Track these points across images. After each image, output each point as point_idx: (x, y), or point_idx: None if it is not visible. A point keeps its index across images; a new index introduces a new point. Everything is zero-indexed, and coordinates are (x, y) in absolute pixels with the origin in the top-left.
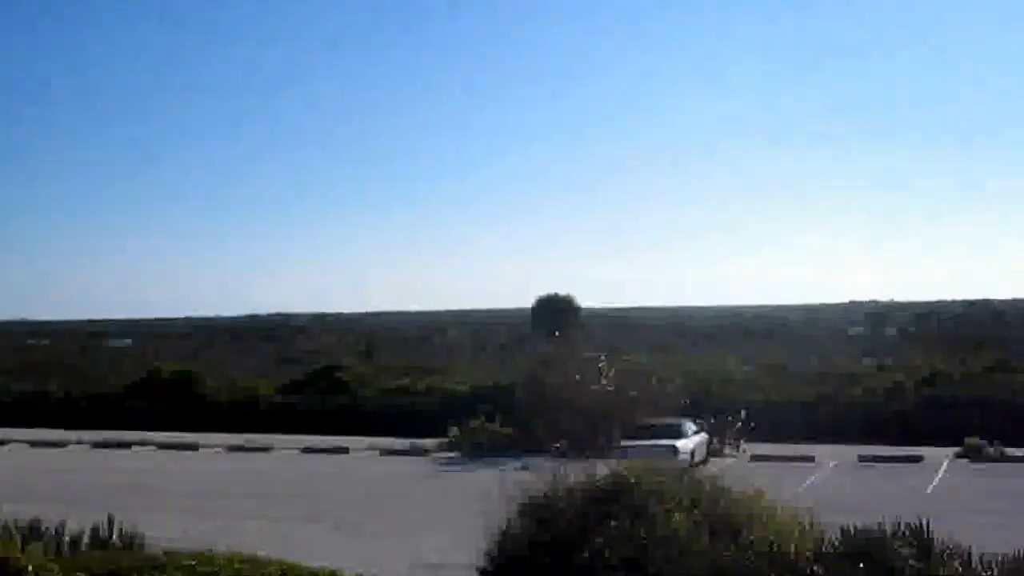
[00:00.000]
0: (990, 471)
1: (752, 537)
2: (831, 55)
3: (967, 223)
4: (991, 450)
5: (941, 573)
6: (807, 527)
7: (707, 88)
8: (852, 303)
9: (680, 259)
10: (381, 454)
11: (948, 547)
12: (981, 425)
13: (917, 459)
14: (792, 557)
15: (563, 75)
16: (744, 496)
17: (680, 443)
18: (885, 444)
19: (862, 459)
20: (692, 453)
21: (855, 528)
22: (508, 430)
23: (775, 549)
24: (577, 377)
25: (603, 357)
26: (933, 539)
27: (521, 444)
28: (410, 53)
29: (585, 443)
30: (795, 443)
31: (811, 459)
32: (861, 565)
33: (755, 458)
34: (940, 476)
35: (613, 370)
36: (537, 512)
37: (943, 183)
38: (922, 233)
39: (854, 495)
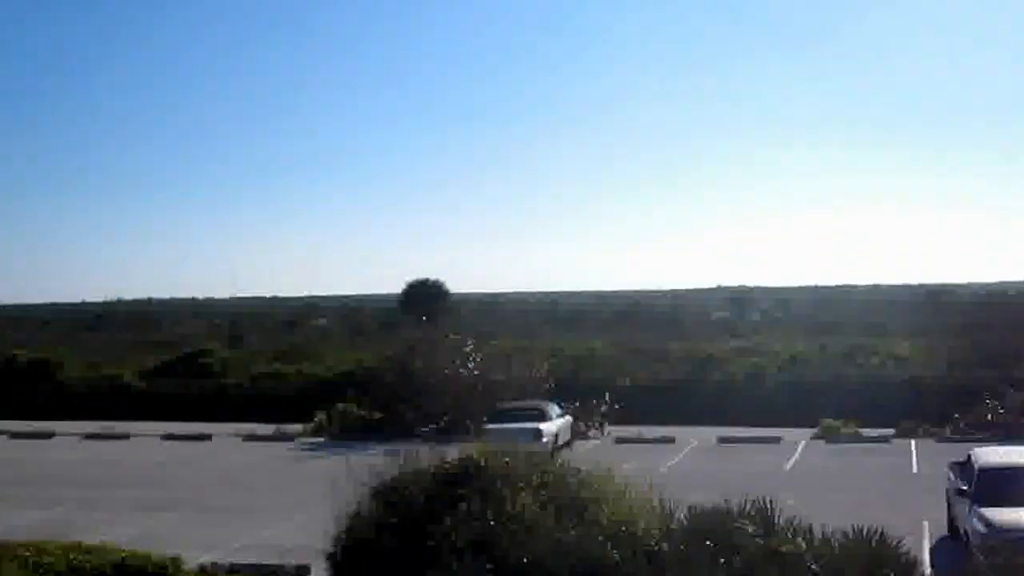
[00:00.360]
0: (845, 451)
1: (600, 517)
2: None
3: (826, 212)
4: (846, 431)
5: (783, 549)
6: (656, 506)
7: (577, 71)
8: (719, 288)
9: (552, 245)
10: (245, 440)
11: (791, 523)
12: (838, 406)
13: (775, 440)
14: (640, 535)
15: (432, 61)
16: (594, 477)
17: (543, 426)
18: (746, 425)
19: (722, 440)
20: (556, 436)
21: (701, 506)
22: (376, 414)
23: (623, 528)
24: (444, 361)
25: (470, 341)
26: (776, 516)
27: (389, 428)
28: (287, 40)
29: (452, 427)
30: (659, 425)
31: (672, 440)
32: (707, 542)
33: (619, 440)
34: (797, 456)
35: (480, 354)
36: (386, 495)
37: (808, 173)
38: (784, 221)
39: (714, 475)
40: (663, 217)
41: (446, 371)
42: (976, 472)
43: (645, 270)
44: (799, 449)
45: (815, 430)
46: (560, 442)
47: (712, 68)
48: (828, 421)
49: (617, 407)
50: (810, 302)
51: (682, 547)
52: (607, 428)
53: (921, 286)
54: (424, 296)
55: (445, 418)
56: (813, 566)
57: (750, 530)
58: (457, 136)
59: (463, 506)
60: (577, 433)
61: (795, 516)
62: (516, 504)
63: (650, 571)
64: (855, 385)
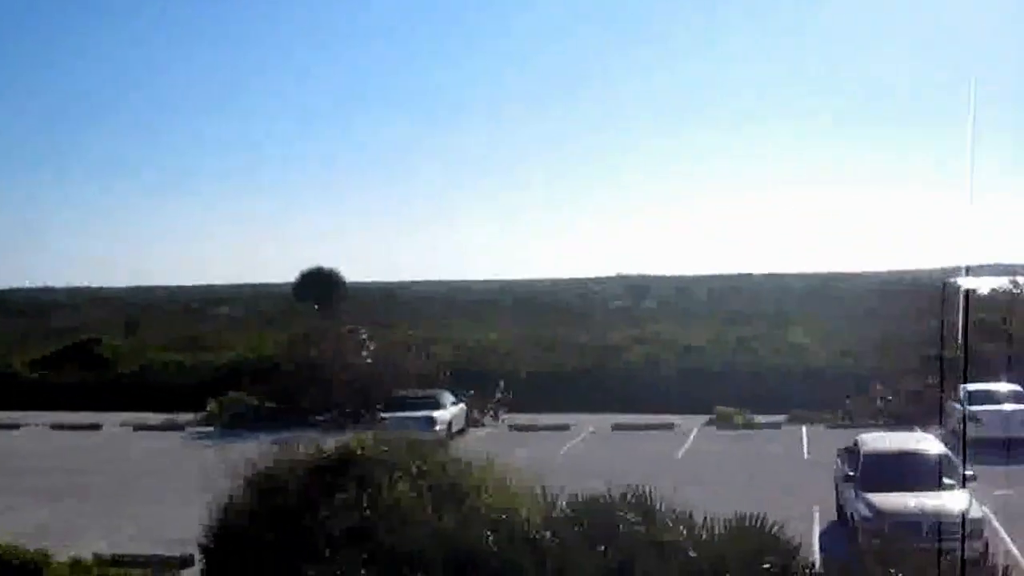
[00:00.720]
0: (736, 437)
1: (480, 505)
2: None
3: (724, 201)
4: (739, 417)
5: (664, 537)
6: (539, 494)
7: (470, 51)
8: (620, 276)
9: (454, 234)
10: (135, 430)
11: (673, 512)
12: (734, 394)
13: (669, 427)
14: (521, 523)
15: (317, 41)
16: (475, 465)
17: (437, 414)
18: (644, 413)
19: (617, 427)
20: (449, 424)
21: (583, 495)
22: (269, 404)
23: (503, 516)
24: (338, 350)
25: (363, 330)
26: (657, 504)
27: (283, 418)
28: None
29: (348, 416)
30: (558, 413)
31: (567, 428)
32: (588, 531)
33: (514, 428)
34: (690, 443)
35: (374, 343)
36: (260, 485)
37: (705, 161)
38: (683, 210)
39: (606, 462)
40: (566, 206)
41: (340, 359)
42: (861, 458)
43: (549, 258)
44: (692, 436)
45: (710, 417)
46: (454, 429)
47: (604, 50)
48: (722, 408)
49: (511, 396)
50: (707, 291)
51: (563, 535)
52: (503, 416)
53: (815, 275)
54: (319, 284)
55: (341, 407)
56: (692, 554)
57: (630, 518)
58: (357, 124)
59: (340, 496)
60: (472, 421)
61: (677, 504)
62: (393, 493)
63: (531, 559)
64: (751, 373)
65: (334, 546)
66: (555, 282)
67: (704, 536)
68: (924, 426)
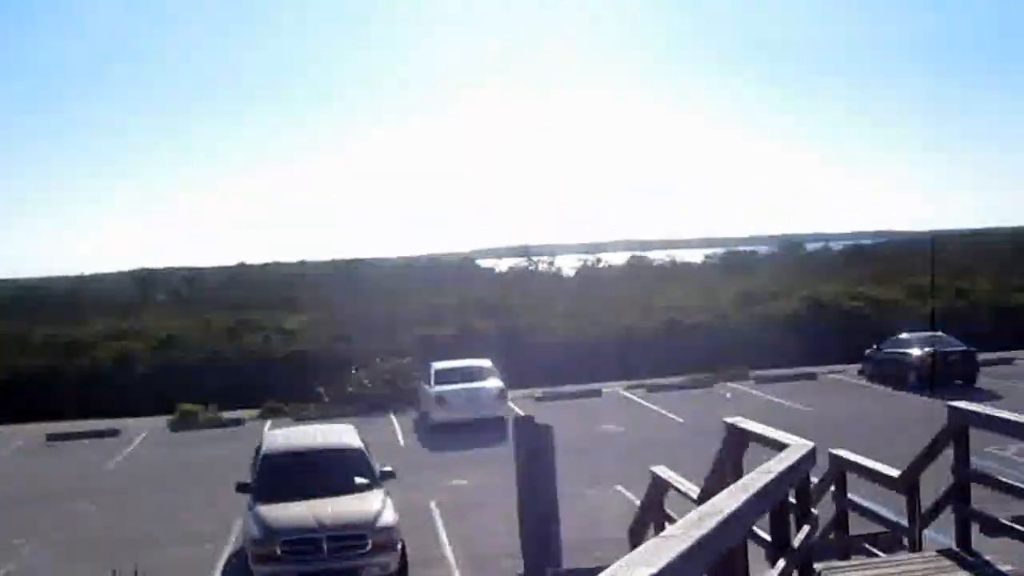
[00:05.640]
0: (192, 439)
1: None
2: None
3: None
4: (205, 415)
5: None
6: None
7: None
8: (142, 270)
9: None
10: None
11: None
12: (213, 387)
13: (114, 433)
14: None
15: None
16: None
17: None
18: (110, 417)
19: (52, 437)
20: None
21: None
22: None
23: None
24: None
25: None
26: None
27: None
28: None
29: None
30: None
31: None
32: None
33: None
34: (130, 450)
35: None
36: None
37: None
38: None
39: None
40: (74, 198)
41: None
42: (260, 460)
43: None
44: (137, 441)
45: (172, 416)
46: None
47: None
48: (186, 405)
49: None
50: (228, 280)
51: None
52: None
53: (339, 261)
54: None
55: None
56: None
57: None
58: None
59: None
60: None
61: None
62: None
63: None
64: (237, 364)
65: None
66: (63, 278)
67: None
68: (397, 411)
